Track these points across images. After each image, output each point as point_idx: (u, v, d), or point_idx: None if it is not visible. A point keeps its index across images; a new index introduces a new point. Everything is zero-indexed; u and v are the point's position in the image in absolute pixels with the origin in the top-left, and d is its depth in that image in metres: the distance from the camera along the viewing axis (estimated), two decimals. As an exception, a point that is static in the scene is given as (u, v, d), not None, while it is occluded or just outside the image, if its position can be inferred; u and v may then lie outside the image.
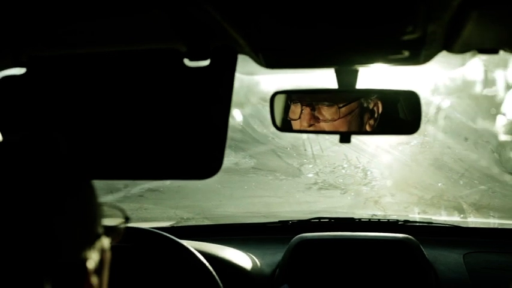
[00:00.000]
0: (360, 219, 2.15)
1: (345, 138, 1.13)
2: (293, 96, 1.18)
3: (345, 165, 6.06)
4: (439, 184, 5.46)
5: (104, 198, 0.66)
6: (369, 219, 2.18)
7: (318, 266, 1.75)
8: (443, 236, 2.07)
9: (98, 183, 0.67)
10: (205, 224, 2.81)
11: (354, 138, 1.17)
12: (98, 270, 0.63)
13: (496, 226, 3.19)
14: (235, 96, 0.85)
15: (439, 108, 6.58)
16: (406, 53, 0.89)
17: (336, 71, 1.04)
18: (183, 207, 4.81)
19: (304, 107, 1.16)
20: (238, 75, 0.87)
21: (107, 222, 0.68)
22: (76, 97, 0.92)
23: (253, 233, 2.18)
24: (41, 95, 0.93)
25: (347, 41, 0.87)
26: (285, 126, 1.19)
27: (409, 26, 0.76)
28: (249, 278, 1.76)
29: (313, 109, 1.16)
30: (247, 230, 2.22)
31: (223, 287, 1.48)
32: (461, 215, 4.56)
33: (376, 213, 4.64)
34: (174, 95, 0.88)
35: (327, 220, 2.13)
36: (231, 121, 0.85)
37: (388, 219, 2.16)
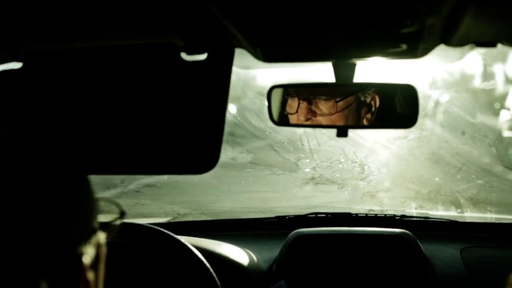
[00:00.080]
0: (357, 214, 2.15)
1: (342, 133, 1.13)
2: (290, 90, 1.18)
3: (342, 160, 6.05)
4: (436, 179, 5.46)
5: (101, 194, 0.65)
6: (366, 214, 2.18)
7: (315, 261, 1.75)
8: (440, 231, 2.07)
9: (94, 179, 0.67)
10: (202, 219, 2.81)
11: (351, 133, 1.16)
12: (94, 265, 0.63)
13: (493, 221, 3.19)
14: (232, 91, 0.84)
15: (436, 102, 6.57)
16: (404, 47, 0.88)
17: (334, 65, 1.03)
18: (180, 202, 4.80)
19: (301, 101, 1.16)
20: (235, 69, 0.87)
21: (103, 217, 0.68)
22: (73, 91, 0.91)
23: (250, 228, 2.18)
24: (37, 90, 0.93)
25: (344, 35, 0.87)
26: (282, 120, 1.19)
27: (407, 20, 0.76)
28: (245, 274, 1.76)
29: (310, 103, 1.15)
30: (244, 225, 2.22)
31: (220, 282, 1.48)
32: (459, 210, 4.56)
33: (373, 208, 4.63)
34: (171, 89, 0.88)
35: (324, 215, 2.13)
36: (227, 115, 0.84)
37: (385, 214, 2.17)
